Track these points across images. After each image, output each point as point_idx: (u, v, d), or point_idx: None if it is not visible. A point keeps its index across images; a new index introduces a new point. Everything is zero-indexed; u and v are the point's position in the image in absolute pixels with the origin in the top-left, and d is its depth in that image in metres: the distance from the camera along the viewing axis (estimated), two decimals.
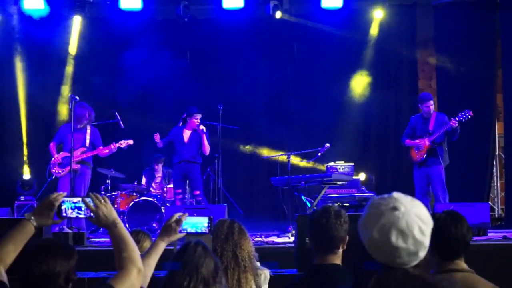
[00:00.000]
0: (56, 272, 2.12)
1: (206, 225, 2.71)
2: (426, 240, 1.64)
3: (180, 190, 8.32)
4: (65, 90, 9.67)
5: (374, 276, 1.65)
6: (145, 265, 2.52)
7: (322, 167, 8.78)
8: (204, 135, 8.26)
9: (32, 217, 2.24)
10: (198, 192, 8.20)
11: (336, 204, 6.87)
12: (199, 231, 2.70)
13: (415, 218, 1.63)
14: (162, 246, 2.60)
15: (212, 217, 2.76)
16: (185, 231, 2.66)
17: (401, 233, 1.61)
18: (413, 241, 1.61)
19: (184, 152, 8.27)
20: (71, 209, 2.30)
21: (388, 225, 1.62)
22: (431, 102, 7.92)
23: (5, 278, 2.15)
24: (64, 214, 2.29)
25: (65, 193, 2.35)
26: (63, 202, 2.29)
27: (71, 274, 2.17)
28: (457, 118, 7.59)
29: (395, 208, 1.64)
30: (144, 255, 2.61)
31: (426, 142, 7.80)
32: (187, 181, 8.35)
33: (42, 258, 2.12)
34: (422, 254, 1.64)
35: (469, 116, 7.64)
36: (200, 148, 8.31)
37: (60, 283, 2.13)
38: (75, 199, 2.31)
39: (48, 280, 2.11)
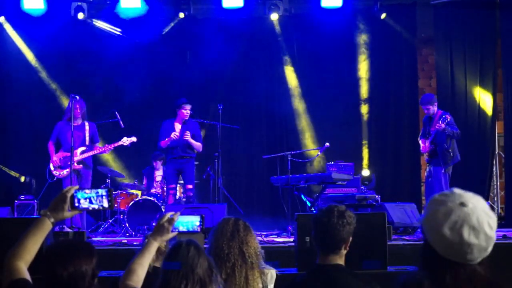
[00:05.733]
0: (84, 271, 2.18)
1: (198, 223, 2.70)
2: (494, 235, 1.65)
3: (173, 186, 8.06)
4: (64, 89, 9.69)
5: (447, 273, 1.63)
6: (138, 264, 2.53)
7: None
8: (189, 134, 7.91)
9: (48, 213, 2.28)
10: (190, 187, 7.93)
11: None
12: (191, 229, 2.70)
13: (482, 213, 1.63)
14: (155, 246, 2.61)
15: (203, 215, 2.75)
16: (177, 230, 2.66)
17: (473, 229, 1.60)
18: (484, 237, 1.62)
19: (178, 147, 7.98)
20: (84, 199, 2.32)
21: (460, 221, 1.61)
22: (429, 106, 7.81)
23: (27, 276, 2.18)
24: (76, 205, 2.31)
25: (77, 186, 2.37)
26: (75, 193, 2.31)
27: (95, 270, 2.23)
28: (440, 121, 7.57)
29: (463, 204, 1.63)
30: (137, 255, 2.62)
31: (426, 143, 7.84)
32: (180, 176, 8.09)
33: (68, 260, 2.17)
34: (490, 248, 1.65)
35: (447, 119, 7.59)
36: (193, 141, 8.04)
37: (88, 280, 2.19)
38: (87, 190, 2.33)
39: (77, 280, 2.17)
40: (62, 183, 7.60)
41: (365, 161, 9.88)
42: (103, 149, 7.69)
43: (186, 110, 8.00)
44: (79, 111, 7.50)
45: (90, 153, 7.64)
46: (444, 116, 7.59)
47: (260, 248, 3.24)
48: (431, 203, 1.69)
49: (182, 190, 8.78)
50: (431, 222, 1.66)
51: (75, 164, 7.41)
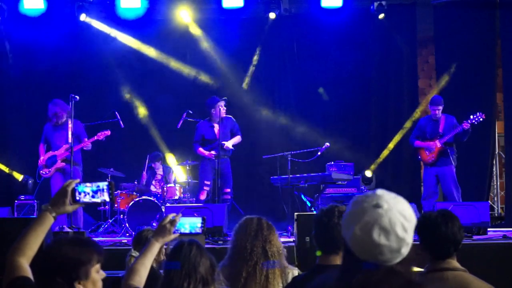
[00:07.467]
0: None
1: (199, 225, 2.72)
2: (408, 237, 1.62)
3: (209, 182, 7.99)
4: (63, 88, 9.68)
5: (358, 275, 1.63)
6: (140, 264, 2.54)
7: None
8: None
9: (49, 207, 2.28)
10: (228, 190, 7.90)
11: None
12: (192, 231, 2.71)
13: (398, 215, 1.61)
14: (156, 247, 2.63)
15: (205, 217, 2.77)
16: (179, 232, 2.67)
17: (384, 230, 1.60)
18: (396, 238, 1.60)
19: (215, 147, 7.98)
20: (84, 193, 2.32)
21: (371, 222, 1.61)
22: (440, 107, 7.94)
23: (29, 273, 2.17)
24: (77, 199, 2.31)
25: (78, 180, 2.37)
26: (76, 187, 2.32)
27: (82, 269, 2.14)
28: (469, 121, 7.65)
29: (378, 205, 1.63)
30: (139, 255, 2.63)
31: (438, 144, 7.87)
32: (217, 177, 7.91)
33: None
34: (405, 250, 1.62)
35: (481, 119, 7.69)
36: (230, 138, 8.08)
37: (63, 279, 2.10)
38: (88, 184, 2.34)
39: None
40: (50, 183, 7.75)
41: (377, 161, 9.86)
42: (82, 144, 7.64)
43: (223, 107, 7.96)
44: (60, 114, 7.58)
45: (75, 148, 7.58)
46: (478, 114, 7.64)
47: (282, 247, 3.25)
48: (352, 203, 1.70)
49: (181, 191, 8.78)
50: (347, 221, 1.67)
51: (59, 161, 7.48)
